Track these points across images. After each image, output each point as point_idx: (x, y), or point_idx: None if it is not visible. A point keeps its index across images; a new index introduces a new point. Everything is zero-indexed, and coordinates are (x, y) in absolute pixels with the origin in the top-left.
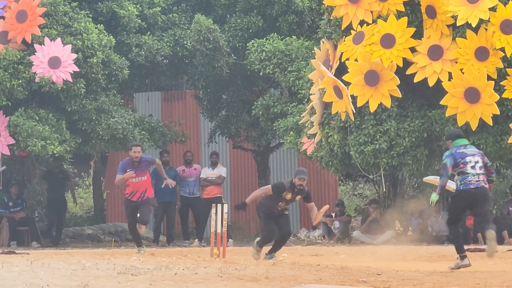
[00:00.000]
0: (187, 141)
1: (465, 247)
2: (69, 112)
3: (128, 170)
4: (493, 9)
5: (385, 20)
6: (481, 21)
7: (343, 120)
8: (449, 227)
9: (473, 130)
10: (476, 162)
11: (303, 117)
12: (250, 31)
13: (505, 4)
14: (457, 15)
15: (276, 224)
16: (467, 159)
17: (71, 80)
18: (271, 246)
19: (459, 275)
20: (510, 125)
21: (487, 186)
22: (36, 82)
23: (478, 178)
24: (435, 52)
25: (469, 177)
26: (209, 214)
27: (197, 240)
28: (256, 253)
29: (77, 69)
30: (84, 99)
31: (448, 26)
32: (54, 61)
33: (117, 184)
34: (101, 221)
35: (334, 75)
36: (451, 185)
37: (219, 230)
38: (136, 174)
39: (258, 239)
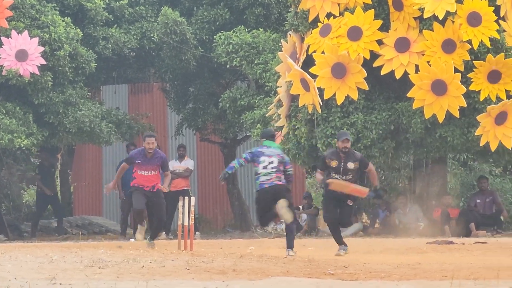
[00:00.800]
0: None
1: (433, 239)
2: (36, 105)
3: (137, 162)
4: (460, 1)
5: (352, 12)
6: (448, 13)
7: (310, 112)
8: (262, 225)
9: (440, 122)
10: (270, 163)
11: (270, 109)
12: (217, 23)
13: None
14: (424, 8)
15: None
16: (261, 158)
17: (38, 73)
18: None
19: (427, 267)
20: (477, 118)
21: (280, 182)
22: (3, 75)
23: (270, 177)
24: (402, 45)
25: (261, 177)
26: (176, 207)
27: (164, 233)
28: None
29: (44, 62)
30: (51, 92)
31: (415, 18)
32: (21, 54)
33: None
34: (68, 214)
35: (301, 68)
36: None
37: (186, 223)
38: (147, 168)
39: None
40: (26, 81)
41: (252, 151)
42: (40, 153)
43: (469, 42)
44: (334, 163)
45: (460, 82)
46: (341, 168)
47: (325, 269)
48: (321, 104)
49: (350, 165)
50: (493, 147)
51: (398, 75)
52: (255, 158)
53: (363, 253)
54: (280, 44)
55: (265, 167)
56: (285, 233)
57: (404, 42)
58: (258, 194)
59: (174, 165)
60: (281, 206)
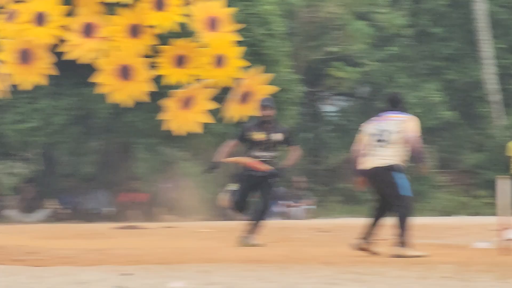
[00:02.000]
0: None
1: (119, 224)
2: None
3: None
4: None
5: None
6: None
7: None
8: None
9: (127, 107)
10: None
11: None
12: None
13: None
14: None
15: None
16: None
17: None
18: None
19: (115, 252)
20: (163, 102)
21: None
22: None
23: None
24: (89, 30)
25: None
26: None
27: None
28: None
29: None
30: None
31: (101, 3)
32: None
33: None
34: None
35: None
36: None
37: None
38: None
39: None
40: None
41: None
42: None
43: (156, 26)
44: (260, 136)
45: (147, 67)
46: (269, 142)
47: (13, 256)
48: (9, 90)
49: (276, 136)
50: (179, 132)
51: (85, 60)
52: None
53: (52, 238)
54: None
55: None
56: None
57: (90, 28)
58: None
59: None
60: None
